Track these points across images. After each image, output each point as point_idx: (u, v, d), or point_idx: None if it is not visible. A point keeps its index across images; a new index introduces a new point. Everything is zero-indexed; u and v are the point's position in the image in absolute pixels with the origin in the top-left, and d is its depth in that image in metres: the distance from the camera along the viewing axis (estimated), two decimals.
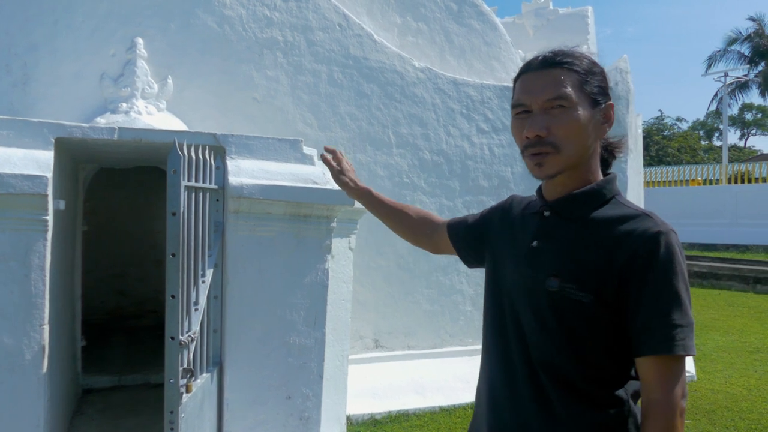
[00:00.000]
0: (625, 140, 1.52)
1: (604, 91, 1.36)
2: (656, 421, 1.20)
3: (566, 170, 1.33)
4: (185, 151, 2.78)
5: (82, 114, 4.61)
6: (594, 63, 1.37)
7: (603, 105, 1.36)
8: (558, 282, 1.28)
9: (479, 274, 6.11)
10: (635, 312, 1.23)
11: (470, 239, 1.66)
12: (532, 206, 1.47)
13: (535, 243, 1.38)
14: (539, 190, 1.46)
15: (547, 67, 1.33)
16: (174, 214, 2.68)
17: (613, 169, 1.49)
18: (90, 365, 5.33)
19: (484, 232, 1.61)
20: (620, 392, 1.28)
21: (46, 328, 3.15)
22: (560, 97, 1.29)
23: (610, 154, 1.47)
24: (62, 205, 3.35)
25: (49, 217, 3.11)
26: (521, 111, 1.35)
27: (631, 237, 1.25)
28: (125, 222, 8.01)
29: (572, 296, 1.26)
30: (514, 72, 6.56)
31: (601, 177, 1.40)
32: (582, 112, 1.30)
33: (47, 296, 3.13)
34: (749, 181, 19.05)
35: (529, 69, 1.38)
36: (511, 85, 6.36)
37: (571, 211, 1.35)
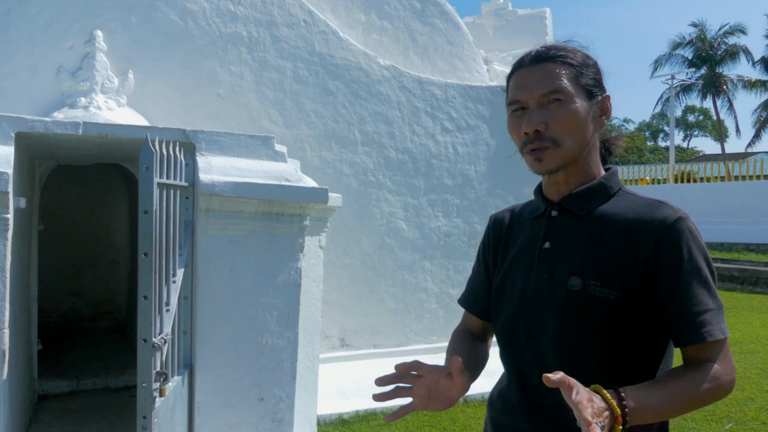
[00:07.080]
0: (621, 135, 1.49)
1: (599, 83, 1.32)
2: (704, 373, 1.17)
3: (567, 165, 1.29)
4: (156, 147, 2.69)
5: (38, 108, 4.42)
6: (587, 56, 1.33)
7: (599, 97, 1.31)
8: (580, 281, 1.23)
9: (444, 272, 6.14)
10: (668, 303, 1.20)
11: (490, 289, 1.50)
12: (534, 209, 1.41)
13: (546, 245, 1.32)
14: (539, 192, 1.41)
15: (541, 61, 1.28)
16: (146, 212, 2.59)
17: None
18: (46, 370, 5.12)
19: (492, 265, 1.49)
20: None
21: (7, 332, 3.00)
22: (556, 90, 1.25)
23: (607, 150, 1.44)
24: (23, 203, 3.20)
25: (10, 216, 2.97)
26: (517, 108, 1.30)
27: (652, 226, 1.21)
28: (79, 221, 7.73)
29: (597, 293, 1.21)
30: (476, 71, 6.66)
31: (603, 171, 1.36)
32: (579, 104, 1.26)
33: (8, 298, 2.99)
34: (694, 181, 19.80)
35: (521, 65, 1.32)
36: (475, 84, 6.34)
37: (580, 208, 1.31)
